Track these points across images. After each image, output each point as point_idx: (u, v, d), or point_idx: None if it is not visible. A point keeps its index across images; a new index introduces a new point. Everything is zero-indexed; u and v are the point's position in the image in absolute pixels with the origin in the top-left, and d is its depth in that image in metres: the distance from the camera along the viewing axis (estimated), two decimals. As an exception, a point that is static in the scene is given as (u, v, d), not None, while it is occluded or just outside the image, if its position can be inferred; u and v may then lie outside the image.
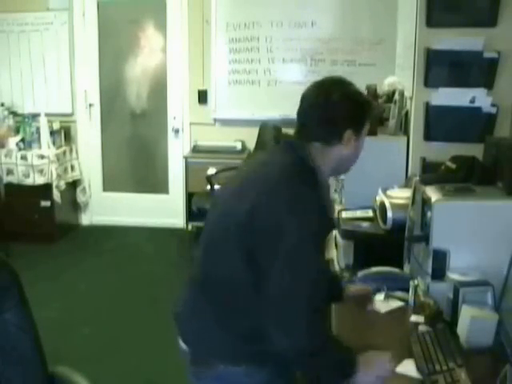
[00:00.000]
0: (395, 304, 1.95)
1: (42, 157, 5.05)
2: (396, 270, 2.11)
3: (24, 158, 5.06)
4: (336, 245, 2.50)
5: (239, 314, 1.56)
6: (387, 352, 1.59)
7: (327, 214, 1.60)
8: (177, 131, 5.51)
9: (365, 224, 2.46)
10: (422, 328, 1.76)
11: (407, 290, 1.96)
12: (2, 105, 5.39)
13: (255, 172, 1.63)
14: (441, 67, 2.72)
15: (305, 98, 1.63)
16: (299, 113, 1.63)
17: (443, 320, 1.77)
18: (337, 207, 2.76)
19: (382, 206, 2.35)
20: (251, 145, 5.11)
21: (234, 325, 1.57)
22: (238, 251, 1.50)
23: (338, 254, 2.44)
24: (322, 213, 1.52)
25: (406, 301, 1.95)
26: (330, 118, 1.58)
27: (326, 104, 1.57)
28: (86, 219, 5.77)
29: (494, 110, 2.67)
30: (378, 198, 2.45)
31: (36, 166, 5.04)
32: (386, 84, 3.35)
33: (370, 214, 2.58)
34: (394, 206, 2.29)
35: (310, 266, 1.47)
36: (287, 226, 1.45)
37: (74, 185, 5.56)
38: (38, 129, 5.14)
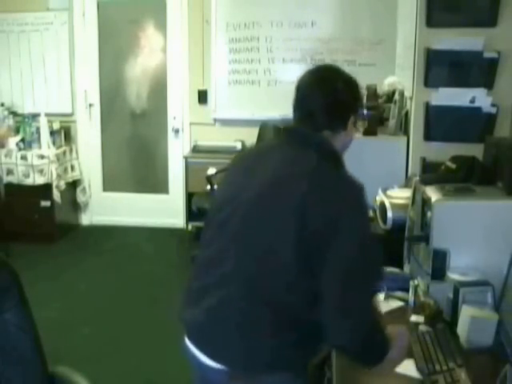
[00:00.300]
0: (395, 304, 1.95)
1: (42, 157, 5.05)
2: (396, 269, 2.11)
3: (24, 158, 5.06)
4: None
5: (293, 317, 1.51)
6: (402, 325, 1.63)
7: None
8: (177, 131, 5.51)
9: (365, 224, 2.46)
10: (422, 328, 1.76)
11: (407, 290, 1.96)
12: (2, 105, 5.39)
13: (285, 170, 1.54)
14: (441, 67, 2.72)
15: (303, 87, 1.62)
16: (299, 102, 1.62)
17: (443, 320, 1.77)
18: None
19: (382, 206, 2.35)
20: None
21: (286, 330, 1.50)
22: (294, 252, 1.45)
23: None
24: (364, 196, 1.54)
25: (406, 301, 1.95)
26: (338, 106, 1.60)
27: (334, 93, 1.59)
28: (86, 219, 5.77)
29: (493, 110, 2.67)
30: (378, 198, 2.45)
31: (36, 166, 5.04)
32: (386, 84, 3.36)
33: (369, 213, 2.58)
34: (394, 205, 2.29)
35: (374, 251, 1.49)
36: (345, 216, 1.45)
37: (74, 185, 5.55)
38: (38, 129, 5.14)
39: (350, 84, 1.63)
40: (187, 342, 1.64)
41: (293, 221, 1.44)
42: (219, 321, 1.55)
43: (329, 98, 1.58)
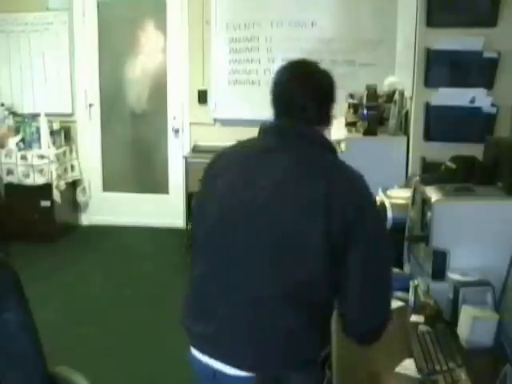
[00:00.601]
0: (395, 304, 1.94)
1: (42, 157, 5.05)
2: (396, 269, 2.11)
3: (24, 158, 5.06)
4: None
5: (319, 314, 1.52)
6: None
7: None
8: (177, 131, 5.51)
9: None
10: (422, 328, 1.76)
11: (407, 290, 1.96)
12: (2, 105, 5.39)
13: (298, 170, 1.52)
14: (441, 67, 2.72)
15: (288, 84, 1.62)
16: (286, 99, 1.61)
17: (443, 320, 1.77)
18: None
19: (382, 206, 2.34)
20: (251, 145, 5.10)
21: (309, 328, 1.50)
22: (321, 250, 1.44)
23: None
24: None
25: (406, 301, 1.95)
26: (328, 101, 1.62)
27: (322, 87, 1.61)
28: (85, 219, 5.77)
29: (493, 110, 2.67)
30: (378, 198, 2.45)
31: (36, 165, 5.04)
32: (386, 84, 3.35)
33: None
34: (394, 206, 2.28)
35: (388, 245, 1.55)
36: (368, 212, 1.50)
37: (74, 185, 5.56)
38: (38, 129, 5.14)
39: (331, 78, 1.65)
40: (198, 353, 1.59)
41: (319, 220, 1.44)
42: (245, 328, 1.50)
43: (320, 94, 1.60)
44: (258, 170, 1.56)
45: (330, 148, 1.61)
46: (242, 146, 1.72)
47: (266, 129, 1.68)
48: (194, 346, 1.61)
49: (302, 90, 1.60)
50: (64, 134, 5.40)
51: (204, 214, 1.63)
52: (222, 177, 1.62)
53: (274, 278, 1.47)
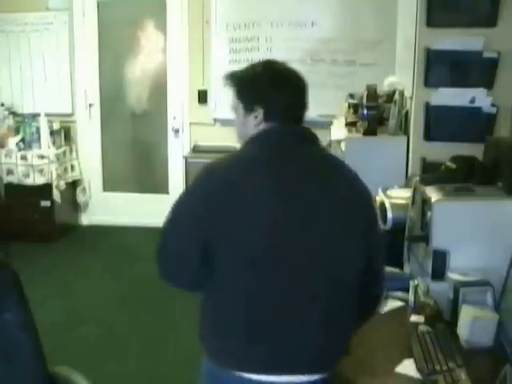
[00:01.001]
0: (395, 304, 1.95)
1: (42, 157, 5.05)
2: (396, 270, 2.11)
3: (24, 158, 5.06)
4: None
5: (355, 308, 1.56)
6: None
7: None
8: (177, 131, 5.51)
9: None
10: (422, 328, 1.76)
11: (407, 290, 1.96)
12: (2, 105, 5.39)
13: (329, 174, 1.53)
14: (441, 67, 2.72)
15: (297, 84, 1.59)
16: (297, 101, 1.58)
17: (443, 320, 1.77)
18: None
19: (382, 206, 2.34)
20: (251, 145, 5.10)
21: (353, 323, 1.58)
22: (363, 251, 1.51)
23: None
24: None
25: (406, 301, 1.95)
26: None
27: (306, 88, 1.61)
28: (85, 219, 5.77)
29: (493, 110, 2.67)
30: (378, 198, 2.45)
31: (36, 165, 5.04)
32: (386, 84, 3.35)
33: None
34: (394, 206, 2.29)
35: None
36: (375, 209, 1.63)
37: (74, 185, 5.55)
38: (38, 129, 5.14)
39: None
40: (262, 377, 1.47)
41: (361, 220, 1.50)
42: (313, 335, 1.47)
43: (306, 94, 1.60)
44: (282, 186, 1.45)
45: (324, 147, 1.67)
46: (246, 160, 1.52)
47: (259, 136, 1.53)
48: (256, 370, 1.47)
49: (305, 91, 1.60)
50: (64, 134, 5.40)
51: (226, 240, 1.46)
52: (244, 202, 1.44)
53: (328, 283, 1.47)
